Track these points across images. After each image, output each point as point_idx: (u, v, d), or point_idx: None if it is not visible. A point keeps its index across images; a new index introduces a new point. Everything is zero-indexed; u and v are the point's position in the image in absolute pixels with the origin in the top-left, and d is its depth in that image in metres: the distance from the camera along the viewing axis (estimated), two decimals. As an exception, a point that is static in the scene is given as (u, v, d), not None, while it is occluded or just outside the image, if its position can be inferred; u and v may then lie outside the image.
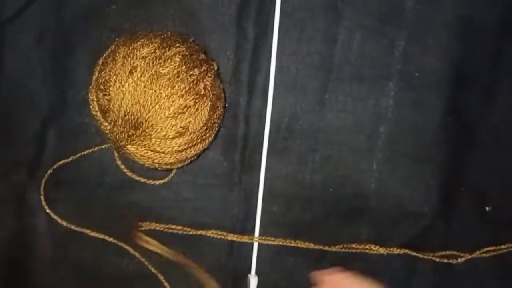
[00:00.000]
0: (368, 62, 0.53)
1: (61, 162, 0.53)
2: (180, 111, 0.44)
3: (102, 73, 0.45)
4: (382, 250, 0.54)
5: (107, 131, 0.46)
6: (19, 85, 0.52)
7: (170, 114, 0.44)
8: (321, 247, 0.54)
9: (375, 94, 0.54)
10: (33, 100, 0.52)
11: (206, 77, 0.45)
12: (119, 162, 0.53)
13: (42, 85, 0.52)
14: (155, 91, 0.43)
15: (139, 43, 0.44)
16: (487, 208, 0.55)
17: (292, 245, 0.54)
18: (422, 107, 0.54)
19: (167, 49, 0.44)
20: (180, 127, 0.44)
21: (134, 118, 0.43)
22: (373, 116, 0.54)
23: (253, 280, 0.54)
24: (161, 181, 0.54)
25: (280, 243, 0.54)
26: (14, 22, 0.51)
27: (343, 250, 0.54)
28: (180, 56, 0.44)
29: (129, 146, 0.45)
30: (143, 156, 0.46)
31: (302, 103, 0.54)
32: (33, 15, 0.51)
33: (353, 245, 0.54)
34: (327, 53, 0.53)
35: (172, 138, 0.45)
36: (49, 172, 0.53)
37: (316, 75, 0.53)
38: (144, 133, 0.44)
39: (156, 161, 0.46)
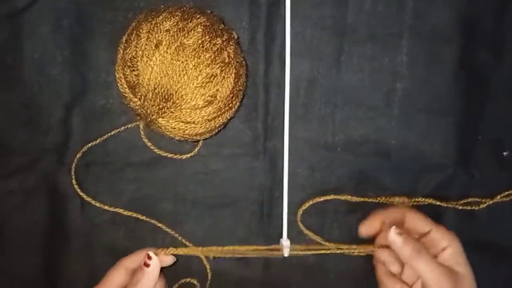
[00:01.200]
0: (380, 21, 0.54)
1: (89, 145, 0.54)
2: (207, 80, 0.45)
3: (128, 50, 0.45)
4: (406, 201, 0.55)
5: (137, 107, 0.47)
6: (40, 72, 0.53)
7: (198, 83, 0.44)
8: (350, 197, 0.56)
9: (389, 52, 0.55)
10: (55, 86, 0.53)
11: (229, 45, 0.46)
12: (145, 140, 0.53)
13: (63, 70, 0.53)
14: (182, 62, 0.44)
15: (161, 17, 0.45)
16: (504, 153, 0.57)
17: (321, 252, 0.55)
18: (435, 61, 0.55)
19: (188, 21, 0.45)
20: (209, 96, 0.45)
21: (163, 91, 0.44)
22: (388, 74, 0.55)
23: (285, 244, 0.56)
24: (188, 155, 0.55)
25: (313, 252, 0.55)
26: (31, 10, 0.52)
27: (371, 200, 0.56)
28: (202, 27, 0.45)
29: (160, 120, 0.46)
30: (174, 128, 0.47)
31: (319, 67, 0.55)
32: (48, 2, 0.52)
33: (379, 198, 0.56)
34: (340, 15, 0.54)
35: (202, 108, 0.46)
36: (78, 156, 0.54)
37: (330, 39, 0.54)
38: (174, 104, 0.45)
39: (186, 132, 0.47)
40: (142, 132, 0.53)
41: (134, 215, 0.55)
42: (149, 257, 0.48)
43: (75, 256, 0.56)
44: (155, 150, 0.54)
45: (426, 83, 0.56)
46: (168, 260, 0.50)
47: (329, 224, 0.57)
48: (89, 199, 0.54)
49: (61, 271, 0.56)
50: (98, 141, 0.53)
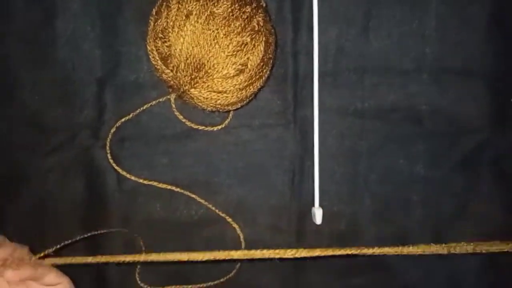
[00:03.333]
0: (408, -17, 0.54)
1: (122, 119, 0.55)
2: (238, 48, 0.45)
3: (158, 21, 0.46)
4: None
5: (169, 79, 0.47)
6: (73, 49, 0.54)
7: (229, 52, 0.45)
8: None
9: (417, 15, 0.54)
10: (87, 62, 0.54)
11: (258, 13, 0.47)
12: (177, 113, 0.54)
13: (94, 46, 0.54)
14: (213, 31, 0.44)
15: (189, -13, 0.45)
16: None
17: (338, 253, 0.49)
18: (465, 22, 0.55)
19: (217, -10, 0.45)
20: (240, 64, 0.46)
21: (196, 60, 0.45)
22: (418, 37, 0.55)
23: (317, 212, 0.56)
24: (219, 127, 0.55)
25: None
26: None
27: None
28: (230, -5, 0.45)
29: (192, 90, 0.47)
30: (206, 98, 0.47)
31: (347, 34, 0.55)
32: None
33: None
34: (367, -20, 0.54)
35: (233, 76, 0.46)
36: (112, 130, 0.55)
37: (357, 4, 0.54)
38: (206, 74, 0.46)
39: (218, 102, 0.48)
40: (173, 106, 0.54)
41: (169, 187, 0.56)
42: None
43: (114, 228, 0.57)
44: (186, 123, 0.55)
45: (456, 45, 0.55)
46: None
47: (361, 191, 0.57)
48: (124, 173, 0.56)
49: (101, 243, 0.58)
50: (130, 115, 0.55)
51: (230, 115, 0.55)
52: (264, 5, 0.49)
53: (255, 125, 0.56)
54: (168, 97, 0.54)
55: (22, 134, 0.55)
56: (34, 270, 0.44)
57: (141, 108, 0.54)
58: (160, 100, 0.54)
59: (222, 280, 0.57)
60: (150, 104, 0.54)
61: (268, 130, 0.56)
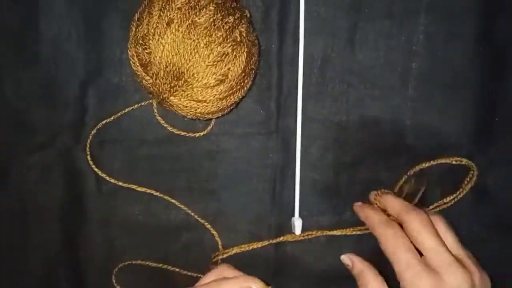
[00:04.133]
0: (397, -3, 0.53)
1: (103, 122, 0.54)
2: (219, 58, 0.45)
3: (140, 28, 0.45)
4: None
5: (149, 85, 0.47)
6: (57, 50, 0.53)
7: (209, 62, 0.44)
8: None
9: (405, 30, 0.54)
10: (71, 63, 0.53)
11: (241, 24, 0.46)
12: (159, 118, 0.54)
13: (78, 48, 0.53)
14: (193, 40, 0.44)
15: (172, -5, 0.45)
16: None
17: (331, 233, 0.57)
18: (453, 38, 0.54)
19: (200, -1, 0.45)
20: (220, 74, 0.45)
21: (175, 69, 0.44)
22: (405, 52, 0.54)
23: (297, 222, 0.56)
24: (201, 133, 0.55)
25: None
26: (46, -12, 0.52)
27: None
28: (214, 5, 0.45)
29: (172, 98, 0.47)
30: (186, 106, 0.47)
31: (333, 46, 0.54)
32: (64, -21, 0.52)
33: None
34: (355, -9, 0.53)
35: (213, 86, 0.46)
36: (92, 132, 0.55)
37: (345, 16, 0.53)
38: (186, 83, 0.45)
39: (198, 110, 0.47)
40: (155, 110, 0.54)
41: (148, 191, 0.56)
42: None
43: (93, 230, 0.57)
44: (168, 128, 0.54)
45: (443, 61, 0.55)
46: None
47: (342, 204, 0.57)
48: (104, 176, 0.55)
49: (79, 244, 0.58)
50: (111, 118, 0.54)
51: (212, 122, 0.55)
52: (248, 15, 0.48)
53: (237, 133, 0.56)
54: (150, 101, 0.54)
55: (3, 131, 0.55)
56: None
57: (123, 111, 0.54)
58: (142, 104, 0.54)
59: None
60: (132, 107, 0.54)
61: (250, 138, 0.56)
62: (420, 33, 0.54)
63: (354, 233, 0.57)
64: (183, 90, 0.46)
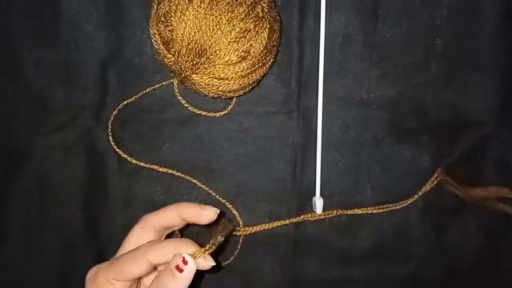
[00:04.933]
0: (421, -29, 0.52)
1: (125, 102, 0.54)
2: (241, 35, 0.44)
3: (161, 5, 0.45)
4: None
5: (171, 63, 0.47)
6: (77, 30, 0.53)
7: (232, 38, 0.44)
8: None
9: (429, 5, 0.53)
10: (91, 43, 0.53)
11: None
12: (180, 98, 0.54)
13: (98, 27, 0.53)
14: (215, 16, 0.43)
15: (193, -29, 0.44)
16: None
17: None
18: (477, 14, 0.53)
19: (221, -26, 0.44)
20: (242, 51, 0.45)
21: (197, 46, 0.44)
22: (428, 28, 0.53)
23: (318, 201, 0.56)
24: (222, 113, 0.55)
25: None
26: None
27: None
28: (235, -20, 0.44)
29: (194, 76, 0.46)
30: (208, 84, 0.47)
31: (355, 22, 0.53)
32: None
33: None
34: (378, -34, 0.52)
35: (235, 63, 0.45)
36: (114, 113, 0.55)
37: (367, -9, 0.53)
38: (208, 60, 0.45)
39: (220, 88, 0.47)
40: (176, 90, 0.53)
41: (170, 171, 0.56)
42: (185, 261, 0.37)
43: (114, 209, 0.57)
44: (189, 108, 0.54)
45: (466, 37, 0.53)
46: (206, 264, 0.39)
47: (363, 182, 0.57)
48: (125, 156, 0.56)
49: (101, 224, 0.58)
50: (133, 98, 0.54)
51: (233, 101, 0.54)
52: (270, -10, 0.48)
53: (258, 112, 0.55)
54: (171, 81, 0.53)
55: (25, 112, 0.55)
56: None
57: (144, 91, 0.54)
58: (163, 84, 0.54)
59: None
60: (152, 87, 0.54)
61: (271, 117, 0.56)
62: (444, 8, 0.53)
63: (375, 211, 0.56)
64: (205, 68, 0.45)
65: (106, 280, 0.39)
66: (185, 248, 0.38)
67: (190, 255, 0.38)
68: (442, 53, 0.54)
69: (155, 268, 0.40)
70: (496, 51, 0.54)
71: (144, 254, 0.38)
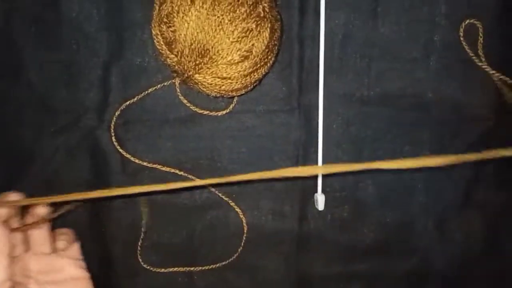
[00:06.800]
0: (419, -32, 0.53)
1: (127, 103, 0.55)
2: (243, 34, 0.45)
3: (164, 6, 0.45)
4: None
5: (173, 64, 0.47)
6: (78, 31, 0.53)
7: (234, 38, 0.44)
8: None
9: (427, 1, 0.53)
10: (92, 44, 0.54)
11: (263, -1, 0.46)
12: (182, 97, 0.54)
13: (100, 28, 0.53)
14: (218, 17, 0.44)
15: (195, -28, 0.45)
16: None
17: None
18: (475, 9, 0.53)
19: (223, -25, 0.45)
20: (245, 50, 0.45)
21: (200, 46, 0.44)
22: (426, 25, 0.54)
23: (320, 198, 0.57)
24: (224, 112, 0.55)
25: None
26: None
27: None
28: (236, -20, 0.45)
29: (196, 76, 0.47)
30: (210, 84, 0.47)
31: (355, 19, 0.54)
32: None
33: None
34: (376, -36, 0.52)
35: (238, 63, 0.46)
36: (117, 113, 0.55)
37: (366, -11, 0.53)
38: (210, 60, 0.45)
39: (223, 88, 0.47)
40: (178, 90, 0.54)
41: (172, 170, 0.56)
42: None
43: (118, 209, 0.58)
44: (191, 107, 0.55)
45: (465, 33, 0.54)
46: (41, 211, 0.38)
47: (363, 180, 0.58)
48: (128, 156, 0.56)
49: (106, 223, 0.58)
50: (135, 99, 0.54)
51: (235, 100, 0.55)
52: (270, -10, 0.48)
53: (259, 110, 0.56)
54: (173, 81, 0.54)
55: (28, 114, 0.55)
56: None
57: (146, 92, 0.54)
58: (165, 84, 0.54)
59: (224, 262, 0.58)
60: (154, 88, 0.54)
61: (272, 115, 0.56)
62: (442, 4, 0.53)
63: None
64: (208, 68, 0.46)
65: None
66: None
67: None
68: (441, 49, 0.54)
69: None
70: (494, 47, 0.54)
71: None
